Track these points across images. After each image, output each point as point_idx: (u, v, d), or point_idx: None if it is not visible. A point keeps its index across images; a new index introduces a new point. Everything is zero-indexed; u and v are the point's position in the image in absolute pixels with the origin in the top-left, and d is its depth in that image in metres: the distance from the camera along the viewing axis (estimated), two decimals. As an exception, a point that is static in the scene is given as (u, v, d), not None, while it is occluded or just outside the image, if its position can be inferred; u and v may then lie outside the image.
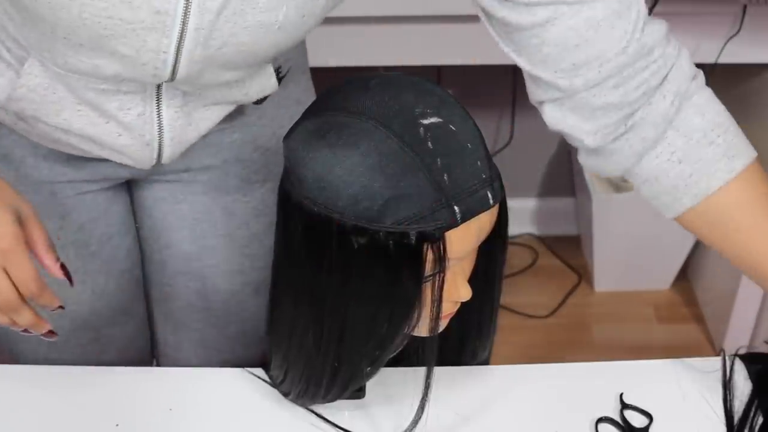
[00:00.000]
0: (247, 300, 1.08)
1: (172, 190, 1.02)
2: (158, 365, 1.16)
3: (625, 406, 0.89)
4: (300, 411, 0.89)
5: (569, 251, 2.27)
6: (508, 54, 0.82)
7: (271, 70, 0.88)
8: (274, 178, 0.82)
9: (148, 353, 1.16)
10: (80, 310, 1.02)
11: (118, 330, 1.08)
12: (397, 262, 0.72)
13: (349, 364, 0.80)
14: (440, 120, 0.71)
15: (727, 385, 0.91)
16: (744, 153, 0.83)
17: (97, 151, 0.87)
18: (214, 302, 1.08)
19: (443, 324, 0.80)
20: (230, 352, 1.11)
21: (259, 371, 0.93)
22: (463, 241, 0.73)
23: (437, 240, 0.71)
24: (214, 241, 1.04)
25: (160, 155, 0.87)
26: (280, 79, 0.90)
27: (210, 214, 1.03)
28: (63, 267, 0.76)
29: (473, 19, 1.38)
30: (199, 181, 1.01)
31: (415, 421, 0.82)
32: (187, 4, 0.69)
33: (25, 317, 0.76)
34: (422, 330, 0.79)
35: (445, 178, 0.70)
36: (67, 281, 0.78)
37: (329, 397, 0.85)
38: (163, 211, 1.03)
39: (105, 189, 0.99)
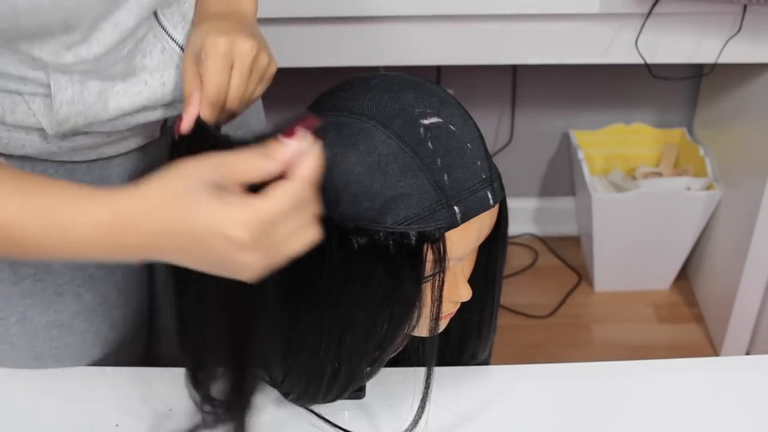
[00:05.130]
0: None
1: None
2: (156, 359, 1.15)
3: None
4: (300, 411, 0.89)
5: (569, 251, 2.27)
6: None
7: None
8: None
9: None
10: (126, 331, 0.99)
11: (142, 341, 1.06)
12: (397, 262, 0.72)
13: (349, 365, 0.80)
14: (440, 120, 0.71)
15: None
16: None
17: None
18: None
19: (443, 324, 0.80)
20: None
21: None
22: (463, 241, 0.73)
23: (437, 240, 0.71)
24: None
25: None
26: None
27: None
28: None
29: (474, 19, 1.38)
30: None
31: (415, 421, 0.82)
32: None
33: None
34: (422, 330, 0.79)
35: (445, 178, 0.70)
36: None
37: (329, 397, 0.85)
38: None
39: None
